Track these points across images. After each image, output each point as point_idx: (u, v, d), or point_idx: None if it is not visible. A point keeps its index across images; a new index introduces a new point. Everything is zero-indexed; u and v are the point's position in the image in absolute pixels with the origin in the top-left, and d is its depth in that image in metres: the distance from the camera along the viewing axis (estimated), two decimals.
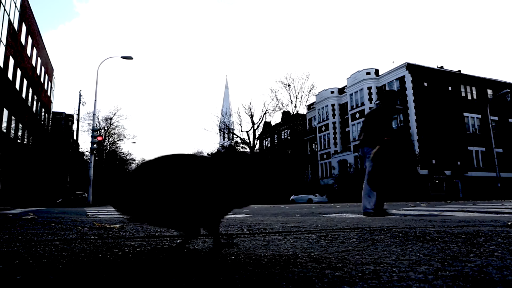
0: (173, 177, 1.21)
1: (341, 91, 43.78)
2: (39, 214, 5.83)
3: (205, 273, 1.05)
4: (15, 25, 24.32)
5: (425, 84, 34.57)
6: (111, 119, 48.98)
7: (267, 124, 58.25)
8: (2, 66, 21.85)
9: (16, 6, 24.23)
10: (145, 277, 1.01)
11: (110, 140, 49.77)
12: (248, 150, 53.33)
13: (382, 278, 0.97)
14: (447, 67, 40.52)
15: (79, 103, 37.56)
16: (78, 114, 38.37)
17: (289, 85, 48.58)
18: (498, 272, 1.02)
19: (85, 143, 70.96)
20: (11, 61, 23.66)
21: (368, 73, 38.26)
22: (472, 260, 1.23)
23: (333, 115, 43.71)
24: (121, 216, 1.29)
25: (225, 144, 57.46)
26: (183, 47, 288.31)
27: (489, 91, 38.51)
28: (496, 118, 37.16)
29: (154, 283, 0.93)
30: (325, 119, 44.57)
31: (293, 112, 49.28)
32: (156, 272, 1.05)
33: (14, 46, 24.13)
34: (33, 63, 29.91)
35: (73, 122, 46.24)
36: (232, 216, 5.68)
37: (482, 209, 7.48)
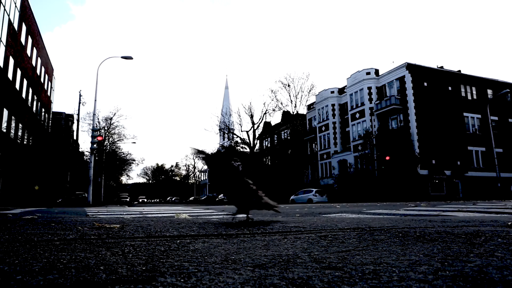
0: None
1: (341, 91, 43.78)
2: (39, 214, 5.83)
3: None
4: (15, 25, 24.32)
5: (425, 84, 34.57)
6: (111, 119, 49.01)
7: (267, 124, 58.22)
8: (2, 66, 21.85)
9: (16, 6, 24.23)
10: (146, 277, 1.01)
11: (110, 140, 49.77)
12: (248, 150, 53.34)
13: (382, 278, 0.97)
14: (447, 67, 40.54)
15: (79, 103, 37.59)
16: (78, 114, 38.40)
17: (288, 85, 48.57)
18: (498, 272, 1.02)
19: (85, 143, 70.91)
20: (11, 61, 23.66)
21: (368, 73, 38.25)
22: (472, 260, 1.23)
23: (333, 115, 43.71)
24: None
25: (225, 144, 57.47)
26: (183, 47, 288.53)
27: (489, 91, 38.49)
28: (496, 118, 37.15)
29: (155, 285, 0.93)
30: (325, 119, 44.57)
31: (293, 112, 49.27)
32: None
33: (14, 46, 24.14)
34: (33, 63, 29.92)
35: (73, 122, 46.26)
36: (232, 216, 5.68)
37: (482, 209, 7.48)
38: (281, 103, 49.71)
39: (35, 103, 31.17)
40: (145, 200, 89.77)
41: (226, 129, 53.94)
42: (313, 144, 48.59)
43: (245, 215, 3.16)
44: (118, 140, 50.62)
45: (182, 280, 0.97)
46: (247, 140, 51.95)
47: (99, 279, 0.98)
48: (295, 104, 49.28)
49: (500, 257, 1.28)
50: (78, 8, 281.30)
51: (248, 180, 2.99)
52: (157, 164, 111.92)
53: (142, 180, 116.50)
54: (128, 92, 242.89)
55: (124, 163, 57.95)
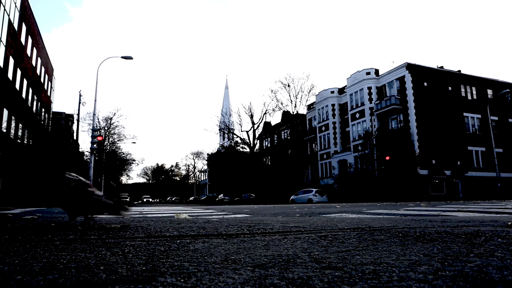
0: None
1: (341, 91, 43.79)
2: (39, 214, 5.83)
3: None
4: (15, 25, 24.31)
5: (425, 84, 34.56)
6: (111, 119, 49.01)
7: (267, 124, 58.24)
8: (2, 66, 21.85)
9: (16, 6, 24.23)
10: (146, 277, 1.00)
11: (110, 140, 49.79)
12: (248, 150, 53.33)
13: (382, 278, 0.97)
14: (447, 67, 40.52)
15: (79, 103, 37.61)
16: (78, 114, 38.41)
17: (288, 85, 48.56)
18: (498, 272, 1.02)
19: (85, 143, 70.93)
20: (11, 61, 23.66)
21: (368, 73, 38.25)
22: (472, 260, 1.23)
23: (333, 115, 43.72)
24: None
25: (225, 144, 57.47)
26: (183, 47, 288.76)
27: (489, 91, 38.49)
28: (496, 118, 37.15)
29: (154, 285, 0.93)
30: (325, 119, 44.58)
31: (293, 112, 49.27)
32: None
33: (14, 46, 24.13)
34: (33, 63, 29.91)
35: (73, 122, 46.28)
36: (232, 216, 5.69)
37: (482, 209, 7.48)
38: (281, 103, 49.73)
39: (35, 103, 31.16)
40: (150, 200, 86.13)
41: (226, 129, 53.96)
42: (313, 144, 48.59)
43: (81, 220, 2.43)
44: (118, 140, 50.66)
45: (182, 280, 0.97)
46: (247, 140, 51.98)
47: (99, 279, 0.98)
48: (295, 104, 49.25)
49: (500, 257, 1.28)
50: (76, 10, 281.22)
51: (74, 174, 2.37)
52: (157, 164, 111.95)
53: (142, 180, 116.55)
54: (128, 92, 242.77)
55: (124, 163, 57.99)
